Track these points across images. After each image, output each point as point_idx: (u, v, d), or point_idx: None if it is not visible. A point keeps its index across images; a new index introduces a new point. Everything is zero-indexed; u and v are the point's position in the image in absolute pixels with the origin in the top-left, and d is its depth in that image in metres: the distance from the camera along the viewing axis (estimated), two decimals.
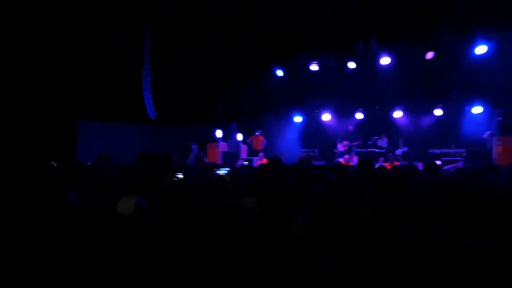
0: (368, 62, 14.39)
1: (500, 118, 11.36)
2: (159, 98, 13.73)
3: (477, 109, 13.04)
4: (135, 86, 13.36)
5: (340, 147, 14.22)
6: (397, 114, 14.58)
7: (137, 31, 12.82)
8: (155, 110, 13.75)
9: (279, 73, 15.74)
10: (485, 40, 12.33)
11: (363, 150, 13.69)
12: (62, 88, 10.92)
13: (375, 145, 14.09)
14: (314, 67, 15.22)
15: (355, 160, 12.89)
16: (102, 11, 11.15)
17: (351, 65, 14.66)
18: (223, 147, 14.72)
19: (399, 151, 13.60)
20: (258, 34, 13.22)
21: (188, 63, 13.62)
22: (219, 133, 15.04)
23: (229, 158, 13.78)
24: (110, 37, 11.69)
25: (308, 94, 15.20)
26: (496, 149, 11.14)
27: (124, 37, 12.17)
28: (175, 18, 12.39)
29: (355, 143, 13.99)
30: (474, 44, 12.56)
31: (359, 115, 15.28)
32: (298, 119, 16.06)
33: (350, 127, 14.44)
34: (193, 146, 14.70)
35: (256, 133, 14.86)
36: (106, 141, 12.49)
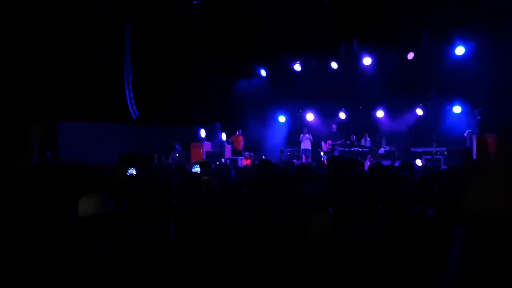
0: (350, 63, 14.55)
1: (479, 117, 11.63)
2: (142, 98, 13.61)
3: (457, 109, 13.31)
4: (117, 85, 13.21)
5: (324, 147, 14.33)
6: (379, 113, 14.77)
7: (117, 31, 12.67)
8: (136, 109, 13.61)
9: (263, 73, 15.77)
10: (464, 41, 12.60)
11: (346, 149, 13.81)
12: (42, 87, 10.70)
13: (358, 145, 14.25)
14: (297, 67, 15.29)
15: None
16: (83, 10, 10.98)
17: (334, 65, 14.78)
18: (207, 146, 14.65)
19: (381, 150, 13.78)
20: (242, 34, 13.23)
21: (171, 63, 13.52)
22: (202, 133, 14.97)
23: (213, 158, 13.74)
24: (91, 37, 11.52)
25: (292, 94, 15.28)
26: (476, 147, 11.39)
27: (105, 37, 12.01)
28: (157, 17, 12.30)
29: (338, 142, 14.11)
30: (453, 46, 12.82)
31: (342, 115, 15.43)
32: (282, 118, 16.13)
33: (334, 127, 14.56)
34: (177, 145, 14.60)
35: (237, 133, 14.85)
36: (87, 140, 12.29)
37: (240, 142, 14.69)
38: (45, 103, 10.84)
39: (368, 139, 14.44)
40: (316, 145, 14.65)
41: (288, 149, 14.77)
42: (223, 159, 13.43)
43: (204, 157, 14.16)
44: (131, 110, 13.70)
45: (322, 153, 14.21)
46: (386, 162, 11.86)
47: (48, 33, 10.71)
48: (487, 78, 11.27)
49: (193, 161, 13.68)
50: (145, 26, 12.79)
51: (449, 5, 10.72)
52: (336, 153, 13.74)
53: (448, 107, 13.56)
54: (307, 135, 14.45)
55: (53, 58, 11.03)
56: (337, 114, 15.47)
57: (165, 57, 13.34)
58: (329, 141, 14.24)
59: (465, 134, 12.33)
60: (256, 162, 8.88)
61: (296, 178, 2.92)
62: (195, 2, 11.66)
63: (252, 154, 13.59)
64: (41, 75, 10.72)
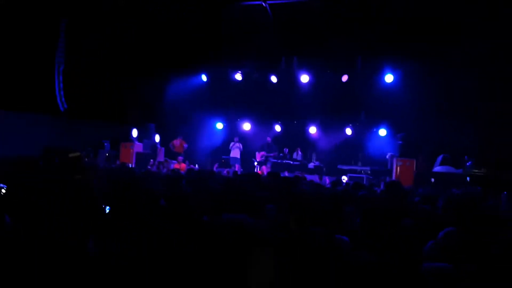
0: (289, 78, 14.97)
1: (400, 142, 12.55)
2: (73, 90, 12.87)
3: (382, 132, 14.23)
4: (46, 75, 12.39)
5: (258, 157, 14.56)
6: (312, 129, 15.35)
7: (52, 21, 11.96)
8: (65, 101, 12.85)
9: (203, 78, 15.70)
10: (393, 70, 13.58)
11: (279, 161, 14.16)
12: None
13: (290, 158, 14.68)
14: (238, 76, 15.44)
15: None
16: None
17: (273, 79, 15.14)
18: (138, 147, 14.19)
19: (311, 165, 14.32)
20: (186, 37, 13.10)
21: (108, 57, 12.98)
22: (135, 133, 14.46)
23: (143, 159, 13.34)
24: (22, 22, 10.73)
25: (231, 102, 15.37)
26: (395, 169, 12.29)
27: (37, 24, 11.26)
28: (95, 11, 11.80)
29: (271, 154, 14.42)
30: (383, 73, 13.75)
31: (278, 127, 15.82)
32: (219, 125, 16.14)
33: (268, 139, 14.86)
34: (105, 143, 13.96)
35: (178, 138, 14.58)
36: (9, 131, 11.31)
37: (181, 146, 14.42)
38: None
39: (300, 153, 14.94)
40: (249, 154, 14.84)
41: (223, 157, 14.80)
42: (151, 160, 13.09)
43: (134, 157, 13.69)
44: (59, 101, 12.89)
45: (255, 163, 14.43)
46: (314, 177, 12.39)
47: None
48: (410, 106, 12.21)
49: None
50: (83, 18, 12.20)
51: (382, 35, 11.50)
52: (269, 164, 14.05)
53: (374, 130, 14.44)
54: (237, 144, 14.62)
55: None
56: (272, 126, 15.82)
57: (104, 51, 12.78)
58: (263, 152, 14.51)
59: (387, 157, 13.25)
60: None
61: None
62: None
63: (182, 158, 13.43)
64: None
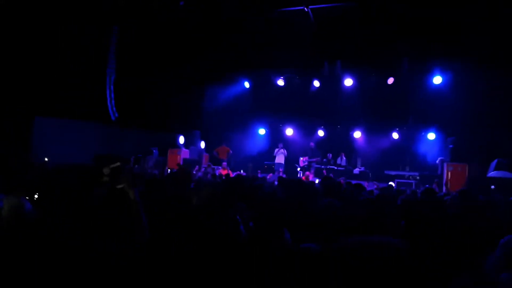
0: (332, 82, 14.81)
1: (451, 146, 12.01)
2: (123, 99, 13.48)
3: (431, 136, 13.70)
4: (99, 85, 13.06)
5: (301, 162, 14.49)
6: (357, 134, 15.06)
7: (104, 30, 12.58)
8: (116, 110, 13.46)
9: (246, 85, 15.90)
10: (441, 71, 13.05)
11: (322, 166, 14.01)
12: (20, 82, 10.48)
13: (334, 163, 14.47)
14: (280, 82, 15.49)
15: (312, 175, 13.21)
16: (68, 8, 10.87)
17: (316, 83, 15.03)
18: (184, 153, 14.61)
19: (356, 170, 14.03)
20: (229, 45, 13.33)
21: (156, 67, 13.48)
22: (181, 139, 14.92)
23: (190, 165, 13.70)
24: (75, 34, 11.39)
25: (273, 108, 15.45)
26: (446, 175, 11.77)
27: (90, 35, 11.90)
28: (145, 21, 12.28)
29: (314, 159, 14.29)
30: (431, 74, 13.25)
31: (321, 132, 15.67)
32: (262, 131, 16.25)
33: (312, 144, 14.75)
34: (153, 150, 14.48)
35: (223, 144, 14.90)
36: (64, 139, 12.06)
37: (225, 153, 14.70)
38: (22, 98, 10.63)
39: (344, 158, 14.69)
40: (292, 160, 14.79)
41: (266, 162, 14.89)
42: (197, 166, 13.41)
43: (182, 163, 14.10)
44: (110, 110, 13.52)
45: (298, 169, 14.37)
46: (361, 183, 12.11)
47: (33, 29, 10.55)
48: (461, 108, 11.67)
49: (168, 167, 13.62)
50: (133, 28, 12.75)
51: (429, 36, 11.10)
52: (312, 170, 13.92)
53: (423, 134, 13.94)
54: (281, 150, 14.62)
55: (36, 54, 10.85)
56: (315, 131, 15.69)
57: (152, 61, 13.29)
58: (306, 158, 14.42)
59: (437, 161, 12.71)
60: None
61: None
62: (181, 3, 11.68)
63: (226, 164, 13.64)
64: (21, 69, 10.51)
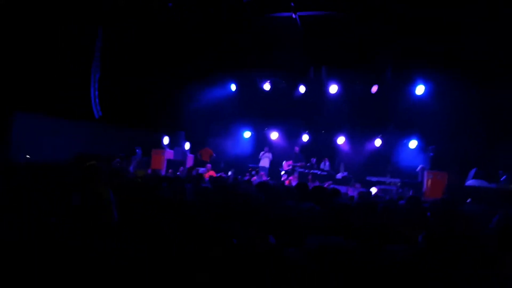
0: (317, 88, 14.94)
1: (431, 154, 12.24)
2: (107, 98, 13.37)
3: (413, 143, 13.92)
4: (83, 82, 12.94)
5: (285, 166, 14.57)
6: (340, 140, 15.21)
7: (89, 29, 12.50)
8: (100, 109, 13.35)
9: (233, 87, 15.93)
10: (424, 81, 13.31)
11: (306, 171, 14.11)
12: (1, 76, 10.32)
13: (317, 168, 14.59)
14: (266, 86, 15.56)
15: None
16: (56, 6, 10.77)
17: (302, 89, 15.16)
18: (168, 154, 14.54)
19: (339, 175, 14.18)
20: (215, 47, 13.36)
21: (142, 66, 13.42)
22: (166, 140, 14.85)
23: (174, 166, 13.65)
24: (60, 30, 11.28)
25: (259, 111, 15.50)
26: (426, 182, 11.99)
27: (75, 31, 11.80)
28: (132, 20, 12.24)
29: (298, 164, 14.39)
30: (414, 84, 13.49)
31: (305, 137, 15.79)
32: (247, 134, 16.30)
33: (296, 148, 14.85)
34: (137, 150, 14.38)
35: (206, 147, 14.92)
36: (45, 136, 11.88)
37: (208, 155, 14.71)
38: (1, 92, 10.46)
39: (328, 163, 14.82)
40: (277, 164, 14.88)
41: (250, 165, 14.94)
42: (181, 168, 13.36)
43: (165, 164, 14.03)
44: (94, 108, 13.41)
45: (282, 172, 14.45)
46: (342, 188, 12.26)
47: (16, 23, 10.41)
48: (442, 117, 11.91)
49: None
50: (119, 26, 12.68)
51: (413, 45, 11.32)
52: (296, 174, 14.02)
53: (405, 141, 14.15)
54: (267, 153, 14.69)
55: (19, 47, 10.69)
56: (300, 136, 15.80)
57: (137, 61, 13.23)
58: (290, 162, 14.51)
59: (418, 169, 12.94)
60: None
61: None
62: (169, 4, 11.70)
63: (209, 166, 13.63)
64: (4, 63, 10.35)
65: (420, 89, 13.40)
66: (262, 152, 14.86)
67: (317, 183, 12.70)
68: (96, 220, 2.15)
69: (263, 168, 14.51)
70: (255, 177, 13.16)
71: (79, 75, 12.65)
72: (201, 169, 13.57)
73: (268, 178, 13.55)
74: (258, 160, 14.89)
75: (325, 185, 11.50)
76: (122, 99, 13.64)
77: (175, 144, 15.00)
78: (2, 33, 10.23)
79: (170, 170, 12.82)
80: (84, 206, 2.14)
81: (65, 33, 11.40)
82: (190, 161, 14.80)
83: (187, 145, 15.27)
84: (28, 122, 11.76)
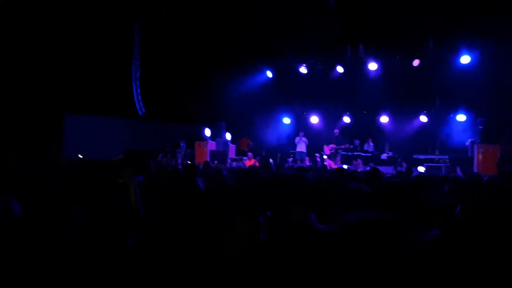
0: (355, 67, 14.58)
1: (481, 127, 11.65)
2: (149, 94, 13.77)
3: (460, 117, 13.32)
4: (125, 81, 13.40)
5: (327, 150, 14.41)
6: (384, 119, 14.81)
7: (127, 27, 12.85)
8: (143, 106, 13.79)
9: (269, 74, 15.88)
10: (469, 50, 12.62)
11: (349, 153, 13.89)
12: (49, 81, 10.89)
13: (361, 149, 14.31)
14: (303, 69, 15.38)
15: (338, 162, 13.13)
16: (92, 5, 11.16)
17: (339, 69, 14.85)
18: (211, 145, 14.81)
19: (384, 156, 13.85)
20: (249, 34, 13.34)
21: (179, 61, 13.69)
22: (207, 132, 15.11)
23: (217, 157, 13.88)
24: (100, 32, 11.69)
25: (297, 96, 15.37)
26: (477, 157, 11.44)
27: (114, 32, 12.19)
28: (167, 15, 12.45)
29: (342, 147, 14.19)
30: (458, 54, 12.84)
31: (346, 119, 15.50)
32: (286, 120, 16.24)
33: (336, 131, 14.62)
34: (181, 143, 14.77)
35: (244, 137, 15.07)
36: (93, 135, 12.49)
37: (246, 144, 14.87)
38: (52, 97, 11.05)
39: (372, 144, 14.50)
40: (315, 148, 14.69)
41: (291, 151, 14.90)
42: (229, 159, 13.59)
43: (208, 156, 14.32)
44: (137, 106, 13.86)
45: (325, 156, 14.26)
46: (388, 168, 11.98)
47: (57, 27, 10.90)
48: (490, 88, 11.29)
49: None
50: (154, 23, 12.96)
51: (455, 14, 10.74)
52: (339, 157, 13.82)
53: (452, 115, 13.57)
54: (303, 138, 14.56)
55: (63, 52, 11.22)
56: (341, 118, 15.54)
57: (174, 55, 13.50)
58: (332, 145, 14.32)
59: (467, 143, 12.37)
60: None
61: None
62: None
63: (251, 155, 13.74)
64: (49, 69, 10.91)
65: (465, 59, 12.73)
66: (297, 138, 14.75)
67: (360, 166, 12.52)
68: (122, 216, 2.20)
69: (300, 153, 14.40)
70: (297, 163, 13.12)
71: (120, 73, 13.07)
72: (244, 158, 13.76)
73: (311, 164, 13.46)
74: (295, 146, 14.81)
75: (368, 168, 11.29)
76: (162, 94, 14.01)
77: (216, 135, 15.24)
78: (48, 42, 10.78)
79: (215, 162, 13.07)
80: (111, 201, 2.18)
81: (103, 32, 11.77)
82: (232, 151, 15.00)
83: (228, 136, 15.46)
84: (77, 123, 12.41)
